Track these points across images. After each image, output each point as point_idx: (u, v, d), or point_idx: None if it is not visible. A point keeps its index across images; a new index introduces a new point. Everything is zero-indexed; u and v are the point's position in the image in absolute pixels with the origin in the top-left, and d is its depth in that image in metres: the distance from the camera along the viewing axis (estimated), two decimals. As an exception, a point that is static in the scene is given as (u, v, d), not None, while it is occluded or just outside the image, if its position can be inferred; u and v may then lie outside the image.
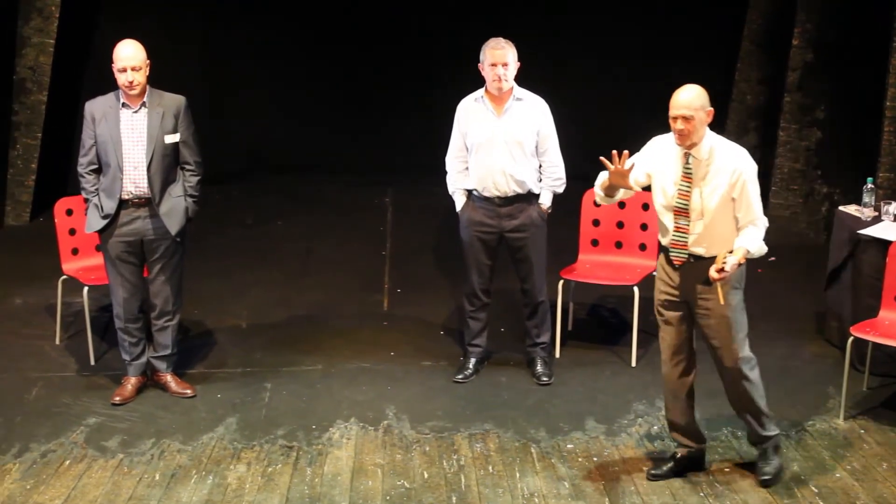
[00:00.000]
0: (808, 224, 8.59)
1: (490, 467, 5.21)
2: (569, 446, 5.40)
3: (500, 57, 5.72)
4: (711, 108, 4.71)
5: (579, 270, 6.53)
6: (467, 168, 5.98)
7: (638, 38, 9.95)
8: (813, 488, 5.00)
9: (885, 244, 5.86)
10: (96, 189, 5.67)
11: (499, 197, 5.89)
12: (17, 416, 5.69)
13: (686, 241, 4.80)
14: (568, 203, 6.52)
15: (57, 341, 6.59)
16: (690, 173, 4.74)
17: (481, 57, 5.79)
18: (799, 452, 5.32)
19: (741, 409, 5.06)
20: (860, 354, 5.98)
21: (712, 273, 4.61)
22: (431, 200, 7.18)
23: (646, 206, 6.53)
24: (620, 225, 6.60)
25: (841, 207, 6.51)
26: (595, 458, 5.27)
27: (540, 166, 5.94)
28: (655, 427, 5.58)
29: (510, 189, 5.87)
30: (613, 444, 5.41)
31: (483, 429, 5.59)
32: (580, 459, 5.27)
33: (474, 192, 5.96)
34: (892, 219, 6.16)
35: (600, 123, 9.77)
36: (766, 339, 6.43)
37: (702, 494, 4.95)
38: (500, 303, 6.55)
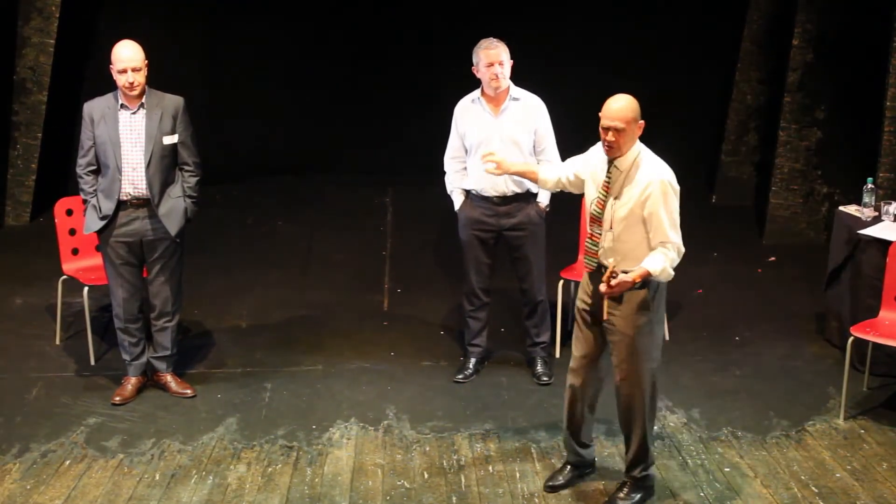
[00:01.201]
0: (808, 224, 8.59)
1: (490, 467, 5.21)
2: (569, 446, 5.39)
3: (494, 56, 5.72)
4: (642, 122, 4.59)
5: (579, 270, 6.51)
6: (465, 168, 5.98)
7: (638, 38, 9.94)
8: (813, 488, 5.00)
9: (885, 244, 5.86)
10: (94, 190, 5.67)
11: (497, 196, 5.89)
12: (17, 416, 5.69)
13: (596, 250, 4.70)
14: (568, 203, 6.52)
15: (57, 341, 6.59)
16: (609, 183, 4.63)
17: (475, 59, 5.79)
18: (799, 452, 5.33)
19: (625, 431, 4.87)
20: (860, 354, 5.98)
21: (601, 287, 4.50)
22: (431, 200, 7.17)
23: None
24: (620, 225, 6.59)
25: (841, 207, 6.51)
26: (595, 458, 5.26)
27: (538, 162, 5.95)
28: (656, 427, 5.57)
29: (509, 189, 5.87)
30: (613, 444, 5.41)
31: (483, 429, 5.59)
32: (580, 459, 5.27)
33: (473, 192, 5.97)
34: (892, 219, 6.16)
35: (600, 123, 9.77)
36: (766, 339, 6.44)
37: (702, 494, 4.95)
38: (499, 303, 6.55)
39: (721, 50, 9.55)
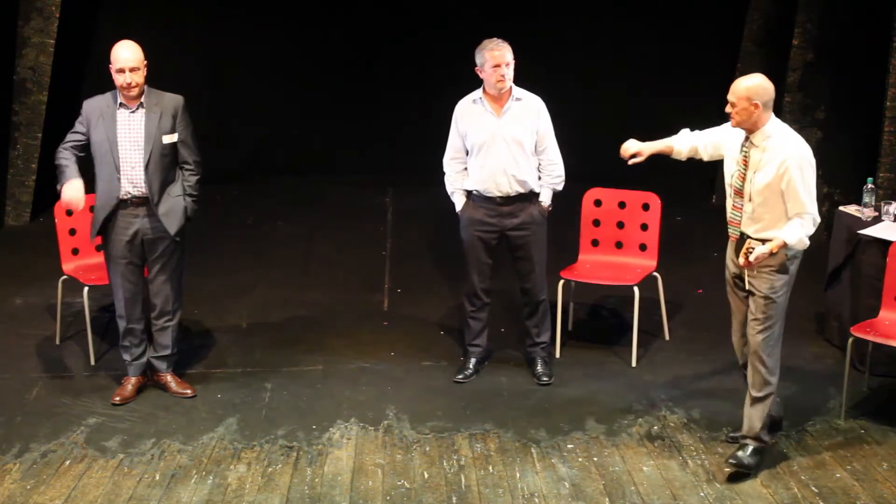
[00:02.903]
0: (808, 224, 8.58)
1: (490, 467, 5.21)
2: (569, 446, 5.40)
3: (500, 57, 5.72)
4: (759, 103, 4.89)
5: (579, 270, 6.53)
6: (465, 168, 5.98)
7: (638, 38, 9.94)
8: (813, 488, 5.00)
9: (885, 244, 5.86)
10: (69, 160, 5.61)
11: (500, 196, 5.89)
12: (18, 416, 5.69)
13: (739, 219, 5.09)
14: (568, 203, 6.52)
15: (57, 341, 6.58)
16: (747, 157, 5.01)
17: (479, 60, 5.77)
18: (799, 452, 5.32)
19: (750, 395, 5.18)
20: (860, 354, 5.98)
21: (739, 260, 4.97)
22: (431, 200, 7.16)
23: (646, 207, 6.54)
24: (620, 225, 6.60)
25: (841, 207, 6.51)
26: (595, 458, 5.27)
27: (539, 165, 5.95)
28: (655, 427, 5.58)
29: (512, 189, 5.87)
30: (613, 444, 5.41)
31: (483, 429, 5.59)
32: (580, 459, 5.27)
33: (475, 192, 5.96)
34: (892, 219, 6.16)
35: (600, 124, 9.77)
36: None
37: (702, 494, 4.95)
38: (500, 303, 6.55)
39: (721, 50, 9.55)
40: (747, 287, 5.10)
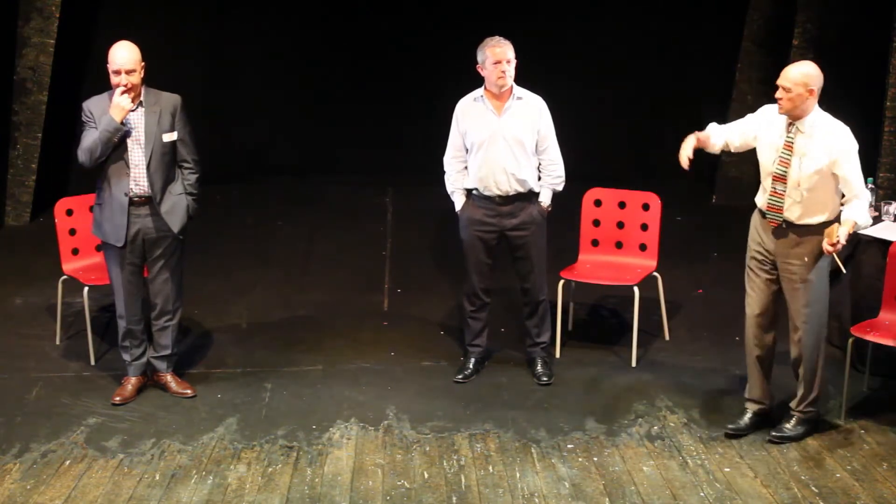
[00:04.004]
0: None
1: (490, 467, 5.21)
2: (569, 446, 5.40)
3: (501, 54, 5.72)
4: (814, 89, 5.10)
5: (579, 270, 6.53)
6: (466, 167, 5.98)
7: (638, 38, 9.94)
8: (813, 488, 5.00)
9: (885, 244, 5.86)
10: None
11: (499, 196, 5.89)
12: (18, 416, 5.69)
13: (781, 206, 5.19)
14: (568, 203, 6.53)
15: (57, 341, 6.58)
16: (792, 143, 5.12)
17: (480, 57, 5.79)
18: (799, 452, 5.33)
19: (799, 375, 5.43)
20: (860, 355, 5.98)
21: (826, 246, 5.03)
22: (431, 200, 7.17)
23: (646, 207, 6.54)
24: (621, 225, 6.60)
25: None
26: (595, 458, 5.27)
27: (539, 165, 5.95)
28: (656, 427, 5.58)
29: (511, 188, 5.87)
30: (613, 444, 5.41)
31: (483, 429, 5.59)
32: (580, 459, 5.27)
33: (474, 192, 5.96)
34: (892, 219, 6.16)
35: (600, 124, 9.78)
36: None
37: (702, 494, 4.95)
38: (500, 303, 6.55)
39: (721, 50, 9.55)
40: (789, 275, 5.25)
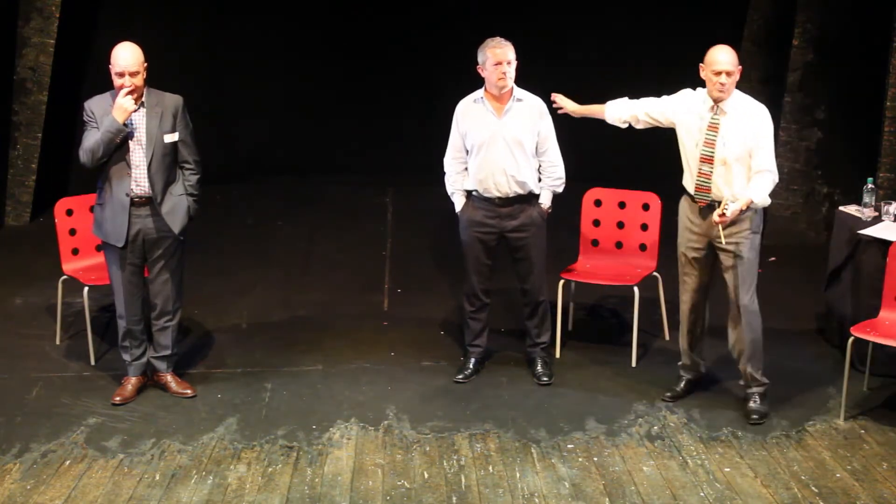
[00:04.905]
0: (808, 224, 8.59)
1: (490, 467, 5.21)
2: (569, 446, 5.40)
3: (502, 55, 5.71)
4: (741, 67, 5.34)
5: (579, 270, 6.53)
6: (466, 168, 5.97)
7: (638, 38, 9.95)
8: (813, 488, 5.00)
9: (885, 244, 5.86)
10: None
11: (499, 197, 5.88)
12: (18, 416, 5.69)
13: (709, 186, 5.37)
14: (568, 203, 6.52)
15: (57, 341, 6.58)
16: (717, 124, 5.28)
17: (480, 58, 5.78)
18: (799, 452, 5.33)
19: (741, 353, 5.58)
20: (860, 354, 5.98)
21: (714, 217, 5.22)
22: (431, 200, 7.17)
23: (646, 207, 6.54)
24: (620, 225, 6.60)
25: (841, 207, 6.50)
26: (595, 458, 5.27)
27: (539, 166, 5.95)
28: (656, 427, 5.58)
29: (511, 190, 5.87)
30: (613, 444, 5.41)
31: (483, 429, 5.59)
32: (580, 459, 5.27)
33: (474, 193, 5.96)
34: (892, 219, 6.16)
35: (600, 123, 9.76)
36: (767, 339, 6.41)
37: (702, 494, 4.95)
38: (499, 303, 6.55)
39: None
40: (724, 252, 5.40)
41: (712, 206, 5.37)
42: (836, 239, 6.40)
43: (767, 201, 5.36)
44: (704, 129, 5.36)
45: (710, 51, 5.36)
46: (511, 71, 5.75)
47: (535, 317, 6.13)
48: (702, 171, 5.38)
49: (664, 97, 5.63)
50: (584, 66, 9.84)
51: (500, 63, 5.71)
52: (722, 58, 5.28)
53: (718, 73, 5.27)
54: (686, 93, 5.55)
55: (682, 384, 5.89)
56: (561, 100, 5.90)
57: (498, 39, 5.76)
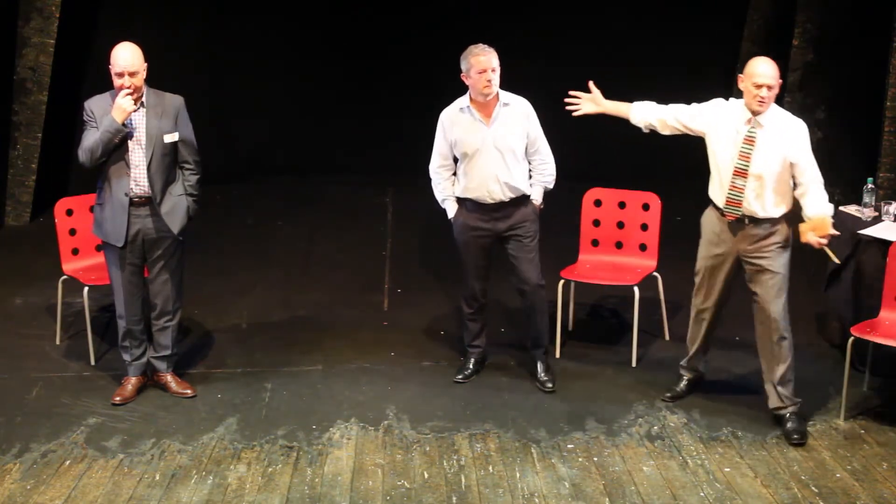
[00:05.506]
0: (808, 224, 8.58)
1: (490, 467, 5.21)
2: (569, 446, 5.40)
3: (486, 63, 5.62)
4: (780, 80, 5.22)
5: (579, 270, 6.53)
6: (454, 174, 5.93)
7: (637, 38, 9.95)
8: (813, 488, 5.00)
9: (885, 244, 5.86)
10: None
11: (492, 202, 5.83)
12: (18, 416, 5.69)
13: (741, 200, 5.26)
14: (568, 203, 6.52)
15: (57, 341, 6.59)
16: (753, 137, 5.15)
17: (464, 66, 5.69)
18: (799, 452, 5.32)
19: (772, 370, 5.44)
20: (860, 355, 5.98)
21: (818, 240, 5.12)
22: (431, 200, 7.15)
23: (646, 207, 6.54)
24: (620, 225, 6.60)
25: (841, 207, 6.50)
26: (595, 458, 5.27)
27: (530, 164, 5.90)
28: (656, 427, 5.58)
29: (505, 196, 5.80)
30: (613, 444, 5.41)
31: (483, 429, 5.59)
32: (580, 459, 5.27)
33: (467, 200, 5.90)
34: (893, 219, 6.16)
35: (600, 124, 9.76)
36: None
37: (702, 494, 4.95)
38: (499, 304, 6.56)
39: (721, 50, 9.55)
40: (757, 269, 5.30)
41: (742, 220, 5.28)
42: (836, 239, 6.39)
43: (832, 208, 5.38)
44: (740, 143, 5.22)
45: (751, 61, 5.22)
46: (496, 78, 5.66)
47: (534, 318, 6.07)
48: (735, 185, 5.26)
49: (694, 104, 5.46)
50: (584, 66, 9.76)
51: (484, 71, 5.62)
52: (764, 70, 5.14)
53: (759, 86, 5.13)
54: (719, 102, 5.41)
55: (682, 384, 5.88)
56: (584, 100, 5.67)
57: (481, 46, 5.69)
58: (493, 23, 8.88)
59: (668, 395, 5.83)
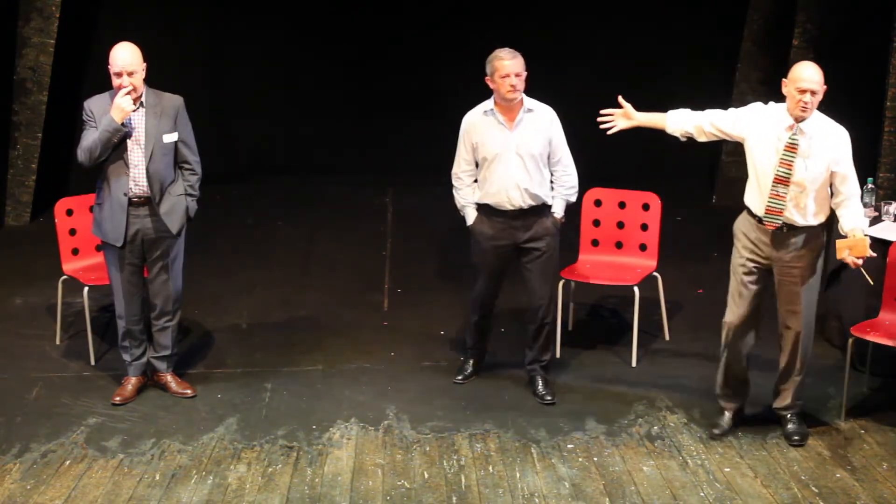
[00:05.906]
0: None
1: (490, 467, 5.21)
2: (569, 446, 5.40)
3: (512, 67, 5.55)
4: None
5: (579, 270, 6.53)
6: (476, 181, 5.87)
7: (638, 39, 9.94)
8: (813, 488, 5.00)
9: (885, 244, 5.86)
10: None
11: (513, 210, 5.74)
12: (18, 416, 5.69)
13: (782, 209, 5.09)
14: (568, 203, 6.51)
15: (57, 341, 6.58)
16: (795, 145, 5.01)
17: (489, 69, 5.62)
18: (799, 452, 5.33)
19: (791, 375, 5.37)
20: (860, 355, 5.98)
21: (855, 260, 4.98)
22: (431, 200, 7.18)
23: (646, 207, 6.54)
24: (620, 225, 6.60)
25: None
26: (595, 458, 5.27)
27: (552, 175, 5.82)
28: (656, 427, 5.58)
29: (525, 203, 5.71)
30: (613, 444, 5.41)
31: (483, 429, 5.59)
32: (580, 459, 5.27)
33: (485, 206, 5.81)
34: (893, 219, 6.16)
35: (600, 123, 9.76)
36: (767, 339, 6.43)
37: (702, 494, 4.95)
38: (500, 306, 6.54)
39: (721, 50, 9.55)
40: (791, 277, 5.19)
41: (780, 228, 5.13)
42: (836, 239, 6.38)
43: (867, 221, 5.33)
44: (781, 150, 5.05)
45: (795, 66, 5.08)
46: (520, 83, 5.59)
47: (540, 337, 5.96)
48: (776, 193, 5.07)
49: (732, 110, 5.33)
50: (584, 66, 9.84)
51: (508, 75, 5.55)
52: (809, 75, 4.99)
53: (803, 92, 4.97)
54: (758, 107, 5.25)
55: (725, 417, 5.53)
56: (616, 116, 5.53)
57: (507, 51, 5.60)
58: (495, 24, 8.90)
59: (716, 430, 5.48)
